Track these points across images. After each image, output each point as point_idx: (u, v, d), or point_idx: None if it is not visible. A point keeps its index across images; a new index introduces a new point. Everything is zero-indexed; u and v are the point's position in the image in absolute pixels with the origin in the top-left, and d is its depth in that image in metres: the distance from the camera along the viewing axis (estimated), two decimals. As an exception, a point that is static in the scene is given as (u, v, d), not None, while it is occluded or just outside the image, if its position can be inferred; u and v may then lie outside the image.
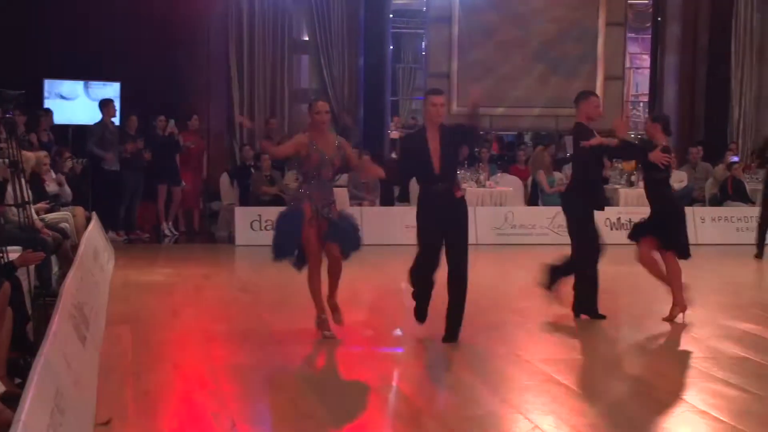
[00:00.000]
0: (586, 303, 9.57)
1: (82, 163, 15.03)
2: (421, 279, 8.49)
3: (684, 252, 9.59)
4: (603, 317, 9.52)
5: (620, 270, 13.38)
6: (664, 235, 9.60)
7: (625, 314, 10.00)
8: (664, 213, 9.61)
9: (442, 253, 8.28)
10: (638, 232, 9.90)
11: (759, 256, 14.40)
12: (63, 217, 11.33)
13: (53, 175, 12.75)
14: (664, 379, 7.26)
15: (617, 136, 9.64)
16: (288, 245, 8.36)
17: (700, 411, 6.33)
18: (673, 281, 9.60)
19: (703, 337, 8.76)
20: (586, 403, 6.49)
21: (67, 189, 12.70)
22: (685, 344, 8.63)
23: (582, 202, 9.62)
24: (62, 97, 16.68)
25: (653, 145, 9.52)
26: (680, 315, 9.55)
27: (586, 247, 9.59)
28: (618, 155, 10.77)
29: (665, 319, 9.47)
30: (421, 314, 8.61)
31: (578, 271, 9.61)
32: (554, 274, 9.78)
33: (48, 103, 16.17)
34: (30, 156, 11.32)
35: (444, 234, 8.24)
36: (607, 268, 13.03)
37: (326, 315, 8.44)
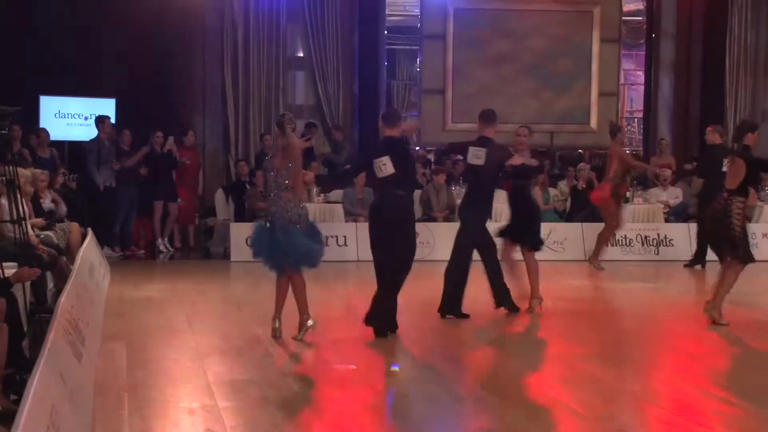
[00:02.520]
0: (452, 304, 10.27)
1: (73, 179, 15.00)
2: None
3: (537, 244, 10.72)
4: (467, 316, 10.22)
5: (616, 286, 13.44)
6: (521, 235, 10.74)
7: (623, 332, 9.99)
8: (524, 217, 10.76)
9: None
10: (503, 234, 11.00)
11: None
12: (48, 234, 11.20)
13: (52, 192, 12.74)
14: (662, 396, 7.25)
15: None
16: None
17: (698, 428, 6.33)
18: (531, 276, 10.64)
19: (700, 354, 8.76)
20: (586, 421, 6.47)
21: (63, 207, 12.67)
22: (681, 361, 8.62)
23: (478, 212, 10.62)
24: (59, 114, 16.72)
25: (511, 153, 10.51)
26: (538, 306, 10.53)
27: (467, 253, 10.46)
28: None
29: (527, 311, 10.44)
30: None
31: (454, 272, 10.35)
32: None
33: (44, 120, 16.20)
34: (26, 172, 11.30)
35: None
36: (603, 285, 13.10)
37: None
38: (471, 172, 10.80)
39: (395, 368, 8.12)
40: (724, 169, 13.91)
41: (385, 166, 9.09)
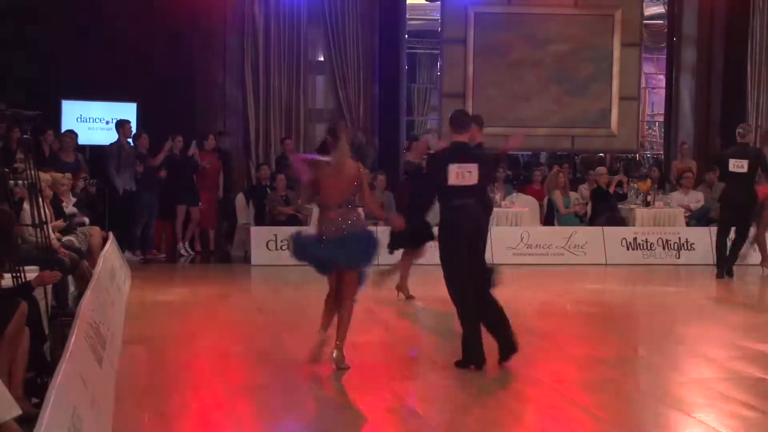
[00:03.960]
0: None
1: (95, 184, 15.03)
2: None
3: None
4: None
5: (637, 290, 13.41)
6: None
7: (644, 336, 9.96)
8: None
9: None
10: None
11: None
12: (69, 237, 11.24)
13: (71, 197, 12.78)
14: (682, 400, 7.22)
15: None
16: None
17: (717, 428, 6.31)
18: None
19: (721, 358, 8.71)
20: (605, 425, 6.46)
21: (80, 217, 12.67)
22: (702, 365, 8.58)
23: None
24: (80, 118, 16.79)
25: None
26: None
27: None
28: None
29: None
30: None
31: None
32: None
33: (65, 125, 16.26)
34: (46, 177, 11.36)
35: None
36: (624, 289, 13.08)
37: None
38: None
39: (412, 354, 8.09)
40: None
41: (470, 174, 8.26)
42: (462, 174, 8.16)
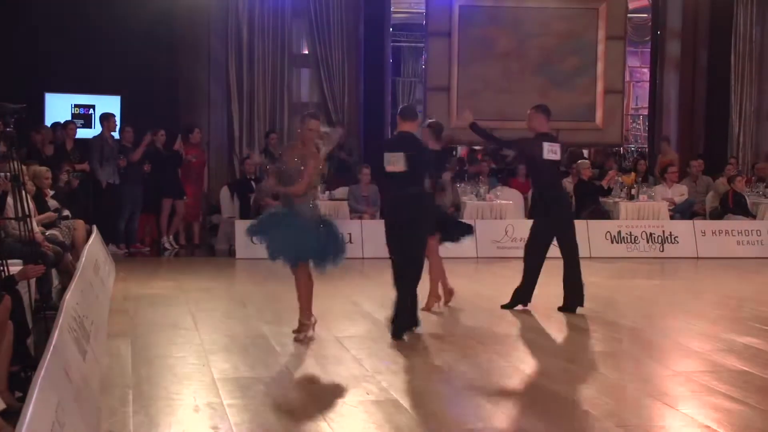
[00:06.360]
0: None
1: (77, 177, 14.97)
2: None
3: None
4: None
5: (621, 283, 13.44)
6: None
7: (627, 327, 9.99)
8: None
9: None
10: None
11: None
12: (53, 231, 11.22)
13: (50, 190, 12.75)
14: (666, 393, 7.24)
15: None
16: None
17: (702, 425, 6.32)
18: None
19: (704, 351, 8.74)
20: (589, 418, 6.47)
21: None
22: (686, 358, 8.61)
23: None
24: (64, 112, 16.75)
25: None
26: (436, 305, 10.57)
27: None
28: None
29: (423, 309, 10.03)
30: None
31: None
32: None
33: (49, 118, 16.21)
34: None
35: None
36: (608, 282, 13.11)
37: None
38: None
39: (387, 364, 8.10)
40: None
41: (397, 162, 9.00)
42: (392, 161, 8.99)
